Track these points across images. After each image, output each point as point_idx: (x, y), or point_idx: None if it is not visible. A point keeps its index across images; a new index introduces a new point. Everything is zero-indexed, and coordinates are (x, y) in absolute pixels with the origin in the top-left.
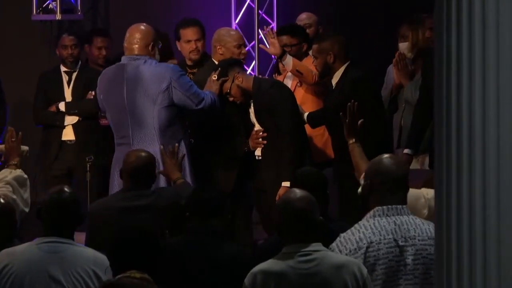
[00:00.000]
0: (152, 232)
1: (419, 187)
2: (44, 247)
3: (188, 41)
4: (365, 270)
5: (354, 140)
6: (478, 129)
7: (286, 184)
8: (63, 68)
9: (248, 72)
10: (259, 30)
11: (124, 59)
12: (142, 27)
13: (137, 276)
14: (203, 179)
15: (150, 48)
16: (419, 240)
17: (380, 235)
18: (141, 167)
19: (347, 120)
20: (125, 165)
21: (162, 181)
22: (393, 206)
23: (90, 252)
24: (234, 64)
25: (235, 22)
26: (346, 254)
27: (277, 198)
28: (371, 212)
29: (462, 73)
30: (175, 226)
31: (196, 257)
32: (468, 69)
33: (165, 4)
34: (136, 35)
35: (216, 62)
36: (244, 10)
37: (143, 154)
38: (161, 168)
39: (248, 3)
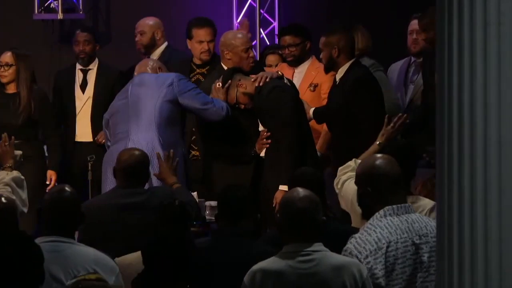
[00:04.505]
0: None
1: (418, 187)
2: (45, 246)
3: (200, 42)
4: (365, 272)
5: None
6: (480, 127)
7: (283, 188)
8: (78, 66)
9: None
10: (261, 30)
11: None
12: None
13: None
14: (215, 184)
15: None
16: (431, 237)
17: (397, 234)
18: (135, 165)
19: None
20: (119, 164)
21: (154, 180)
22: (401, 205)
23: (91, 251)
24: (234, 72)
25: (236, 21)
26: (367, 256)
27: (274, 201)
28: (381, 212)
29: (463, 72)
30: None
31: (225, 258)
32: (470, 68)
33: (166, 4)
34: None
35: (225, 67)
36: (246, 10)
37: (136, 152)
38: (155, 158)
39: (250, 3)
